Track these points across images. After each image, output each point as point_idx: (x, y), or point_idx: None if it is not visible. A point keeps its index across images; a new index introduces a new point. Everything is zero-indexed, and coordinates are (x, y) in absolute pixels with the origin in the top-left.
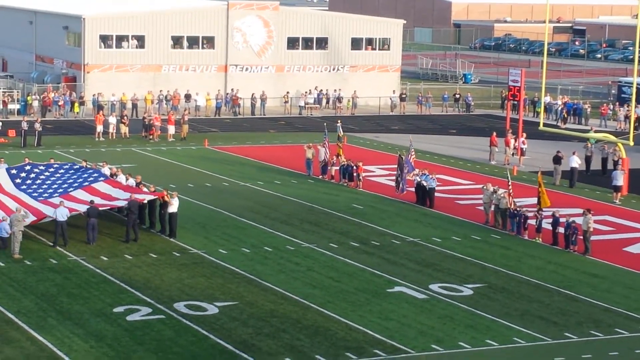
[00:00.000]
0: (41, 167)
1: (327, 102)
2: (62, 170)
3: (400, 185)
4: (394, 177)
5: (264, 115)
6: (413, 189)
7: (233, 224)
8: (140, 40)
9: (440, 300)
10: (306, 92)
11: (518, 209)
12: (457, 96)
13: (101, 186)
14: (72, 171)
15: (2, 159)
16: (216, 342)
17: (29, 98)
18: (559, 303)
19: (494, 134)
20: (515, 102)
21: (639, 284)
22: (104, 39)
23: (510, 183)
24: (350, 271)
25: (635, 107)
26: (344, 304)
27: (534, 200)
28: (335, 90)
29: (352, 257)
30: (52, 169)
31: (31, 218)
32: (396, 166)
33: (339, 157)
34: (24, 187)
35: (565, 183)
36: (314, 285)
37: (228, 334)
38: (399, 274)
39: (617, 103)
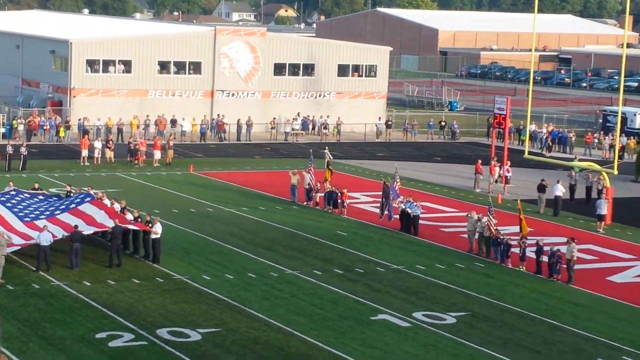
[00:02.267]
0: (26, 194)
1: (313, 129)
2: (48, 200)
3: (386, 212)
4: (378, 205)
5: (250, 141)
6: (397, 216)
7: (217, 250)
8: (127, 65)
9: (423, 328)
10: (293, 119)
11: (502, 237)
12: (443, 123)
13: (87, 208)
14: (57, 198)
15: None
16: None
17: (14, 122)
18: (542, 332)
19: (479, 161)
20: (501, 130)
21: (621, 314)
22: (91, 64)
23: (492, 211)
24: (333, 298)
25: (620, 136)
26: (327, 331)
27: (517, 228)
28: (321, 116)
29: (335, 284)
30: (37, 198)
31: (16, 242)
32: (381, 193)
33: (326, 183)
34: (9, 205)
35: (550, 211)
36: (297, 313)
37: None
38: (382, 301)
39: (602, 132)
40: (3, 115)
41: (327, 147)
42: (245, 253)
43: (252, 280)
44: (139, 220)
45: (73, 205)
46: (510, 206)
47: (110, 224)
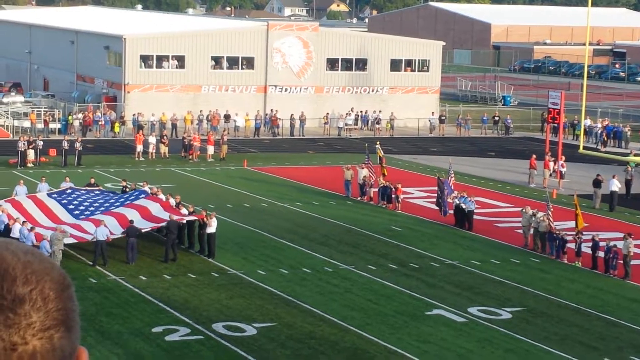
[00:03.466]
0: (82, 191)
1: (366, 124)
2: (104, 194)
3: (443, 207)
4: (433, 199)
5: (303, 136)
6: (452, 212)
7: (271, 245)
8: (181, 61)
9: (479, 323)
10: (346, 114)
11: (557, 232)
12: (496, 118)
13: (142, 202)
14: (113, 194)
15: (44, 178)
16: None
17: (69, 117)
18: (599, 328)
19: (534, 156)
20: (555, 125)
21: None
22: (145, 59)
23: (550, 206)
24: (388, 293)
25: None
26: (382, 326)
27: (573, 223)
28: (374, 111)
29: (390, 279)
30: (93, 193)
31: (72, 236)
32: (436, 188)
33: (380, 178)
34: (65, 202)
35: (605, 207)
36: (352, 307)
37: (266, 355)
38: (437, 296)
39: None
40: (59, 111)
41: (379, 142)
42: (299, 248)
43: (306, 275)
44: (194, 214)
45: (128, 202)
46: (565, 201)
47: (165, 216)
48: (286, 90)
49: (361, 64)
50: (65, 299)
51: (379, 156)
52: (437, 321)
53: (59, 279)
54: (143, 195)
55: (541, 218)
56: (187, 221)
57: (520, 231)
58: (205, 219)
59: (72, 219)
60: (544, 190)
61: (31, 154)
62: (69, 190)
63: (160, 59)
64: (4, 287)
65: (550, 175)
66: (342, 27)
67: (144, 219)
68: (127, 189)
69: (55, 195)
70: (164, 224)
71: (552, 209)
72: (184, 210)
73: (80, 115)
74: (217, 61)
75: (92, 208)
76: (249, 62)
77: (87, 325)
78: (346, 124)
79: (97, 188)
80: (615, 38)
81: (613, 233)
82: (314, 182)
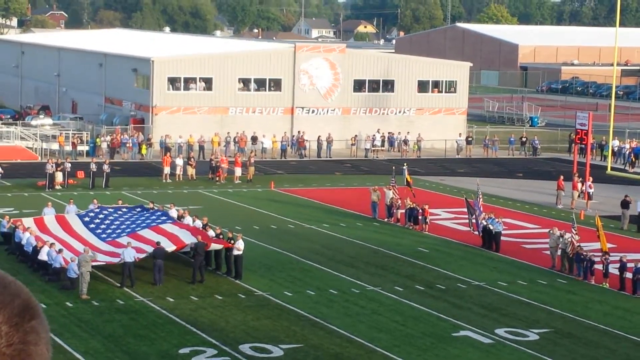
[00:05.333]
0: (110, 210)
1: (392, 145)
2: (130, 213)
3: (477, 226)
4: (460, 221)
5: (330, 157)
6: (478, 232)
7: (298, 267)
8: (208, 83)
9: (506, 345)
10: (373, 135)
11: (584, 253)
12: (524, 139)
13: (169, 227)
14: (140, 210)
15: (72, 200)
16: None
17: (97, 140)
18: (627, 349)
19: (561, 177)
20: (583, 146)
21: None
22: (172, 81)
23: (575, 227)
24: (415, 315)
25: None
26: (409, 347)
27: (599, 244)
28: (400, 132)
29: (417, 301)
30: (120, 212)
31: (100, 259)
32: (466, 209)
33: (407, 200)
34: (93, 226)
35: (633, 228)
36: (379, 329)
37: None
38: (464, 318)
39: None
40: (87, 134)
41: (406, 164)
42: (326, 269)
43: (333, 297)
44: (221, 237)
45: (154, 224)
46: (592, 222)
47: (192, 240)
48: (313, 111)
49: (388, 85)
50: (24, 332)
51: (407, 179)
52: (464, 342)
53: (19, 312)
54: (170, 221)
55: (569, 239)
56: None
57: (548, 252)
58: (231, 246)
59: (98, 241)
60: (571, 211)
61: (59, 177)
62: (97, 210)
63: (188, 81)
64: None
65: (579, 196)
66: (369, 48)
67: (171, 242)
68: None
69: (82, 214)
70: (191, 244)
71: (576, 230)
72: (210, 232)
73: (108, 138)
74: (244, 83)
75: (118, 230)
76: (276, 84)
77: (115, 346)
78: (373, 146)
79: (123, 205)
80: None
81: None
82: (341, 203)
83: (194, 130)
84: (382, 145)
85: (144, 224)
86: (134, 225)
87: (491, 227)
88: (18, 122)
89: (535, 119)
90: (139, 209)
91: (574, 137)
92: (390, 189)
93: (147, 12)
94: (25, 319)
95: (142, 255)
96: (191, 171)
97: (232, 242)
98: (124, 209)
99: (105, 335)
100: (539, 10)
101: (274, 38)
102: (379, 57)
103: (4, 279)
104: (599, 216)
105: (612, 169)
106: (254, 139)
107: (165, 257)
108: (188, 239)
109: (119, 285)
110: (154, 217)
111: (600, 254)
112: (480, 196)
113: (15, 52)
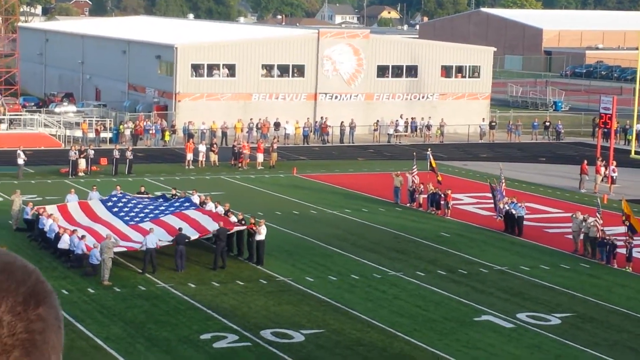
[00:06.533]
0: (131, 197)
1: (416, 130)
2: (153, 200)
3: (498, 212)
4: (482, 205)
5: (353, 143)
6: (501, 217)
7: (320, 252)
8: (231, 69)
9: (528, 329)
10: (396, 121)
11: (607, 237)
12: (547, 124)
13: (191, 213)
14: (163, 199)
15: (95, 187)
16: None
17: (121, 127)
18: None
19: (585, 162)
20: (607, 130)
21: None
22: (196, 68)
23: (600, 211)
24: (437, 300)
25: None
26: (430, 332)
27: (623, 229)
28: (422, 118)
29: (439, 286)
30: (145, 201)
31: (122, 245)
32: (489, 194)
33: (430, 185)
34: (116, 209)
35: None
36: (400, 314)
37: None
38: (486, 302)
39: None
40: (110, 120)
41: (429, 149)
42: (348, 255)
43: (355, 282)
44: (243, 222)
45: (177, 210)
46: (616, 206)
47: (214, 227)
48: (336, 97)
49: (412, 71)
50: (28, 320)
51: (431, 163)
52: (486, 327)
53: (24, 299)
54: (193, 207)
55: (592, 223)
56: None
57: (571, 237)
58: (254, 228)
59: (122, 224)
60: (594, 195)
61: (82, 163)
62: (119, 194)
63: (211, 68)
64: None
65: (602, 180)
66: (392, 34)
67: (193, 228)
68: (177, 197)
69: (105, 199)
70: (213, 231)
71: (601, 215)
72: (232, 218)
73: (131, 125)
74: (267, 69)
75: (142, 214)
76: (299, 70)
77: (136, 332)
78: (396, 131)
79: (146, 195)
80: None
81: None
82: (363, 189)
83: (217, 117)
84: (405, 131)
85: (168, 211)
86: (157, 211)
87: (514, 212)
88: (42, 109)
89: (559, 104)
90: (161, 199)
91: (597, 121)
92: (412, 174)
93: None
94: (30, 307)
95: (164, 243)
96: (214, 157)
97: (256, 225)
98: (147, 199)
99: (127, 321)
100: None
101: (297, 24)
102: (403, 43)
103: (12, 264)
104: (625, 200)
105: (636, 153)
106: (277, 125)
107: (186, 243)
108: (210, 225)
109: (140, 271)
110: (177, 203)
111: (624, 238)
112: (503, 180)
113: (40, 40)
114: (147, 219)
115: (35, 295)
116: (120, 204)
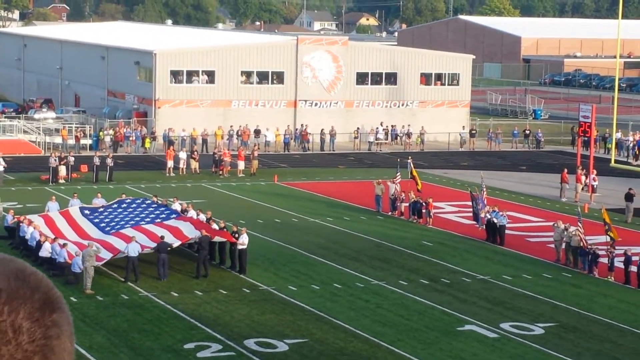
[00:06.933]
0: (114, 206)
1: (396, 138)
2: (134, 205)
3: (479, 221)
4: (464, 214)
5: (333, 150)
6: (483, 226)
7: (302, 261)
8: (211, 76)
9: (511, 339)
10: (376, 128)
11: (589, 246)
12: (527, 132)
13: (172, 222)
14: (144, 205)
15: (76, 194)
16: None
17: (100, 133)
18: (632, 343)
19: (565, 170)
20: (586, 139)
21: None
22: (175, 74)
23: (581, 220)
24: (420, 309)
25: None
26: (414, 342)
27: (605, 238)
28: (402, 126)
29: (421, 295)
30: (124, 205)
31: (104, 254)
32: (470, 203)
33: (418, 192)
34: (97, 220)
35: (638, 221)
36: (383, 323)
37: None
38: (469, 312)
39: None
40: (90, 127)
41: (410, 157)
42: (330, 263)
43: (337, 291)
44: (225, 230)
45: (158, 220)
46: (597, 215)
47: (196, 234)
48: (316, 104)
49: (391, 78)
50: (45, 327)
51: (412, 172)
52: (469, 337)
53: (40, 306)
54: (174, 216)
55: (573, 232)
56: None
57: (552, 246)
58: (235, 241)
59: (103, 235)
60: (575, 204)
61: (63, 170)
62: (101, 209)
63: (191, 74)
64: None
65: (582, 189)
66: (371, 41)
67: (175, 236)
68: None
69: (87, 212)
70: (195, 239)
71: (582, 224)
72: (214, 226)
73: (111, 131)
74: (247, 76)
75: (122, 222)
76: (278, 77)
77: (119, 341)
78: (376, 139)
79: (127, 198)
80: None
81: None
82: (345, 197)
83: (197, 124)
84: (386, 138)
85: (149, 219)
86: (137, 219)
87: (495, 221)
88: (21, 115)
89: (539, 112)
90: (139, 201)
91: (576, 130)
92: (394, 182)
93: (149, 5)
94: (46, 313)
95: (147, 250)
96: (194, 165)
97: (237, 236)
98: (127, 201)
99: (110, 330)
100: (541, 2)
101: (276, 31)
102: (382, 50)
103: (23, 271)
104: (605, 209)
105: (616, 161)
106: (257, 132)
107: (169, 251)
108: (192, 233)
109: (123, 279)
110: (157, 211)
111: (605, 247)
112: (485, 189)
113: (18, 45)
114: (128, 225)
115: (49, 301)
116: (101, 216)
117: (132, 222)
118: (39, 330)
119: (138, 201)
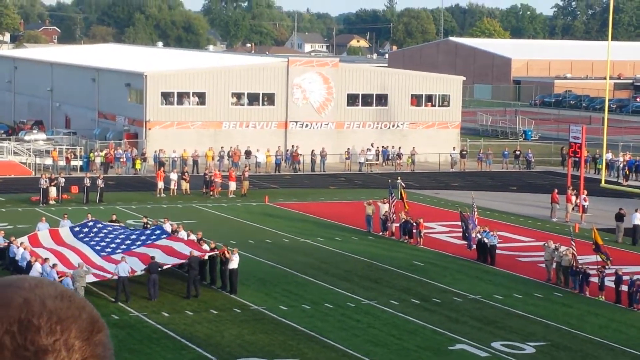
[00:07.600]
0: (105, 223)
1: (387, 159)
2: (124, 231)
3: (468, 241)
4: (455, 234)
5: (324, 171)
6: (474, 246)
7: (293, 280)
8: (201, 97)
9: (502, 358)
10: (367, 149)
11: (580, 266)
12: (518, 153)
13: (164, 242)
14: (134, 229)
15: (66, 215)
16: None
17: (91, 155)
18: None
19: (556, 190)
20: (577, 159)
21: None
22: (166, 96)
23: (573, 240)
24: (411, 328)
25: None
26: None
27: (595, 257)
28: (394, 146)
29: (413, 315)
30: (114, 229)
31: (93, 274)
32: (459, 223)
33: (401, 213)
34: (87, 239)
35: (628, 240)
36: (375, 343)
37: None
38: (460, 331)
39: None
40: (80, 148)
41: (399, 178)
42: (321, 283)
43: (329, 311)
44: (216, 250)
45: (149, 241)
46: (587, 235)
47: (187, 252)
48: (307, 126)
49: (382, 100)
50: (94, 345)
51: (401, 193)
52: (461, 356)
53: (87, 325)
54: (164, 236)
55: (564, 252)
56: (208, 257)
57: (543, 265)
58: (226, 254)
59: (94, 255)
60: (566, 224)
61: (53, 192)
62: (90, 223)
63: (181, 96)
64: (28, 338)
65: (573, 209)
66: (362, 62)
67: (166, 254)
68: (149, 226)
69: (77, 229)
70: (185, 260)
71: (574, 243)
72: (205, 247)
73: (101, 153)
74: (237, 97)
75: (113, 245)
76: (269, 98)
77: None
78: (367, 159)
79: (118, 224)
80: (635, 72)
81: (636, 267)
82: (336, 217)
83: (188, 145)
84: (377, 159)
85: (139, 241)
86: (128, 242)
87: (486, 241)
88: (11, 137)
89: (529, 133)
90: (136, 232)
91: (566, 151)
92: (385, 203)
93: (140, 27)
94: (93, 332)
95: (138, 273)
96: (185, 186)
97: (229, 251)
98: (118, 227)
99: None
100: (531, 24)
101: (267, 52)
102: (372, 71)
103: (67, 291)
104: (596, 228)
105: (606, 182)
106: (248, 154)
107: (160, 271)
108: (184, 251)
109: (113, 300)
110: (148, 232)
111: (596, 266)
112: (475, 209)
113: (8, 68)
114: (119, 250)
115: (95, 321)
116: (91, 234)
117: (124, 245)
118: (88, 349)
119: (133, 231)
